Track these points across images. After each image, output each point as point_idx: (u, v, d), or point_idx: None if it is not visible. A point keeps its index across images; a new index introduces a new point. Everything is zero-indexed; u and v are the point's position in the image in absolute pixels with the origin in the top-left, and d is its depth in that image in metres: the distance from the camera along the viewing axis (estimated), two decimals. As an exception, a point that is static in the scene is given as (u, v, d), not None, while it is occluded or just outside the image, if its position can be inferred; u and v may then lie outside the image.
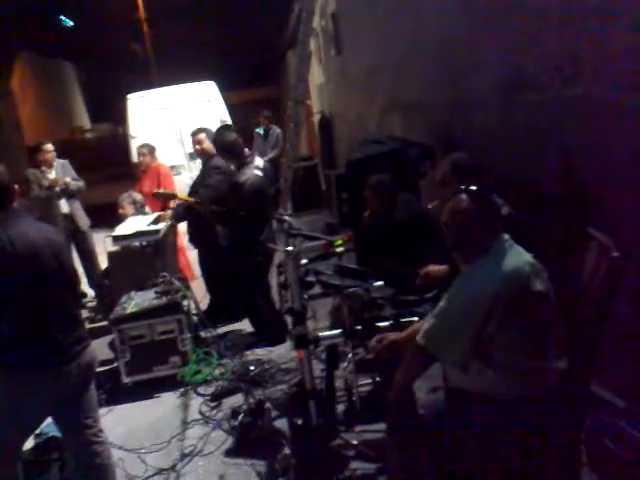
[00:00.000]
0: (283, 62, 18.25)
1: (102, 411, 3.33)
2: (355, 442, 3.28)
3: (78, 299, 3.19)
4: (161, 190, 5.64)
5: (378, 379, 3.60)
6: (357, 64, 8.39)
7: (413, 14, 5.57)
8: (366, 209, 4.12)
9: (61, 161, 6.61)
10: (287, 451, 3.30)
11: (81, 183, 6.58)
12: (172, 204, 6.15)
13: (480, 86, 4.23)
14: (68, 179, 6.39)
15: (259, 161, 4.96)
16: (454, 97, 4.72)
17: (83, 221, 6.62)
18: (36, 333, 2.55)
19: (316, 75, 12.39)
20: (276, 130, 10.08)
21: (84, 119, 32.76)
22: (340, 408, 3.62)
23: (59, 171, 6.48)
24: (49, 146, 6.49)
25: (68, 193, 6.44)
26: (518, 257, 2.27)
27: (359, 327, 3.18)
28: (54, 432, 3.17)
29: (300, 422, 3.40)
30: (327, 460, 3.21)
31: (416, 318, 3.01)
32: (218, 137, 4.86)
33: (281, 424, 3.62)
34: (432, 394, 2.58)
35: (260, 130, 10.12)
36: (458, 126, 4.66)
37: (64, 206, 6.45)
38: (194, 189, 5.37)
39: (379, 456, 3.12)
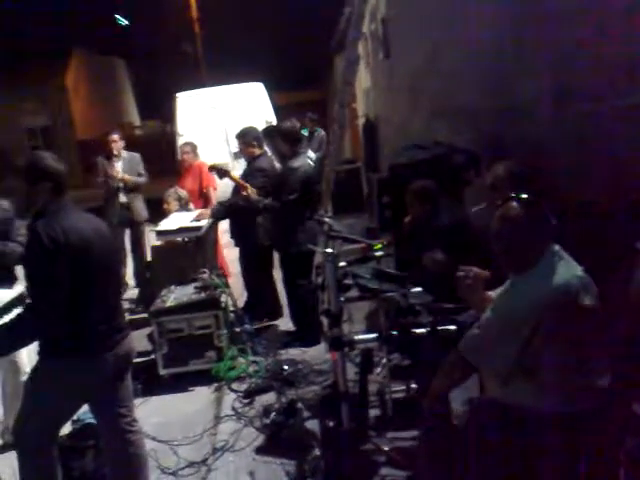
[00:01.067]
0: (331, 65, 18.30)
1: (137, 401, 3.39)
2: (386, 448, 3.26)
3: (120, 290, 3.27)
4: (218, 164, 5.73)
5: (413, 386, 3.56)
6: (404, 68, 8.35)
7: (463, 20, 5.51)
8: (407, 214, 4.09)
9: (130, 154, 6.82)
10: (317, 453, 3.30)
11: (142, 179, 6.76)
12: (213, 201, 6.25)
13: (530, 94, 4.15)
14: (126, 177, 6.58)
15: (312, 154, 5.02)
16: (503, 104, 4.64)
17: (139, 213, 6.79)
18: (81, 321, 2.62)
19: (363, 79, 12.39)
20: (320, 132, 10.12)
21: (134, 116, 33.50)
22: (372, 413, 3.60)
23: (125, 163, 6.69)
24: (114, 136, 6.70)
25: (126, 187, 6.63)
26: (568, 270, 2.20)
27: (395, 333, 3.15)
28: (90, 419, 3.24)
29: (331, 424, 3.39)
30: (357, 464, 3.19)
31: (454, 327, 2.97)
32: (280, 123, 5.00)
33: (312, 425, 3.62)
34: (468, 405, 2.54)
35: (304, 132, 10.18)
36: (506, 134, 4.58)
37: (122, 196, 6.66)
38: (237, 189, 5.43)
39: (410, 464, 3.08)
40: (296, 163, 4.82)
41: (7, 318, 2.74)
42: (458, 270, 2.56)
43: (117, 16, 23.94)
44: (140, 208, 6.81)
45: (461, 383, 2.42)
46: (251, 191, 4.96)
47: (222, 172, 5.49)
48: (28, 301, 2.81)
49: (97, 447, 3.27)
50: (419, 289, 3.35)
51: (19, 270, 3.64)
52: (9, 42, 23.84)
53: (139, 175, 6.75)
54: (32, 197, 2.63)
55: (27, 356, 3.63)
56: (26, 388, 2.75)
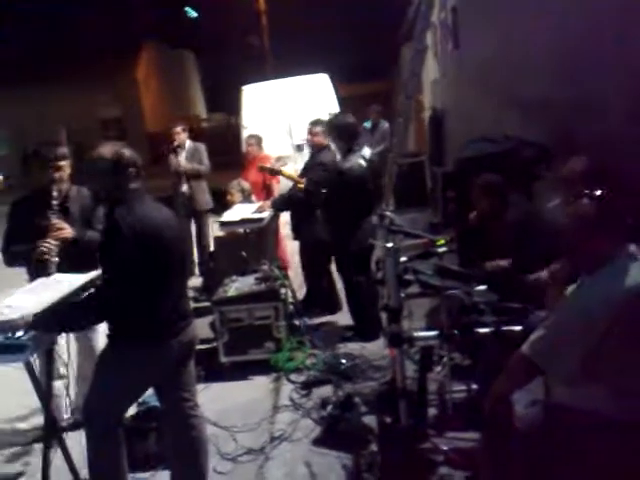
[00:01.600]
0: (397, 56, 18.09)
1: (199, 387, 3.45)
2: (444, 448, 3.20)
3: (187, 278, 3.33)
4: (267, 165, 5.80)
5: (474, 387, 3.48)
6: (474, 59, 8.15)
7: (536, 9, 5.31)
8: (473, 209, 3.99)
9: (195, 144, 7.01)
10: (374, 448, 3.28)
11: (202, 167, 6.90)
12: (274, 194, 6.30)
13: (606, 87, 3.95)
14: (187, 165, 6.75)
15: (367, 151, 4.96)
16: (578, 97, 4.44)
17: (201, 202, 6.93)
18: (150, 308, 2.68)
19: (430, 70, 12.19)
20: (384, 124, 10.01)
21: (201, 108, 34.25)
22: (431, 412, 3.54)
23: (189, 153, 6.88)
24: (177, 129, 6.91)
25: (187, 175, 6.79)
26: (643, 272, 2.09)
27: (457, 331, 3.09)
28: (154, 402, 3.33)
29: (389, 421, 3.36)
30: (414, 462, 3.15)
31: (519, 327, 2.88)
32: (336, 117, 4.97)
33: (369, 420, 3.60)
34: (531, 407, 2.45)
35: (367, 124, 10.09)
36: (580, 128, 4.39)
37: (185, 187, 6.83)
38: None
39: (468, 465, 3.01)
40: (346, 164, 4.76)
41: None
42: (526, 268, 2.49)
43: (186, 9, 24.46)
44: (202, 198, 6.95)
45: (525, 385, 2.34)
46: (300, 184, 4.95)
47: (272, 171, 5.54)
48: (98, 284, 2.91)
49: (160, 430, 3.37)
50: (484, 287, 3.26)
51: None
52: (84, 37, 24.81)
53: (200, 163, 6.90)
54: (108, 186, 2.70)
55: (104, 341, 3.78)
56: (95, 371, 2.85)
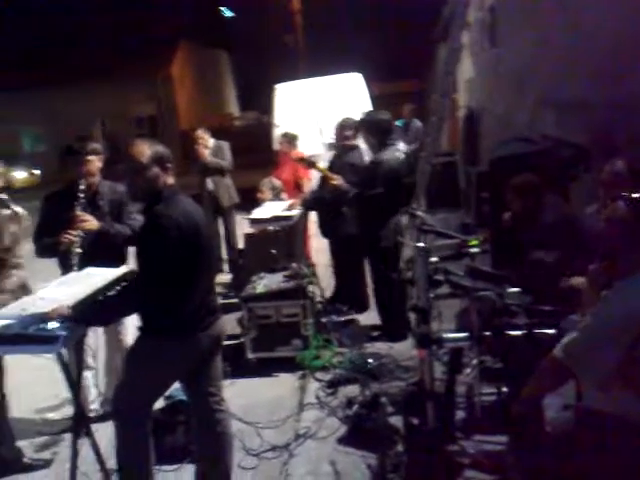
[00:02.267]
0: (432, 55, 17.94)
1: (225, 383, 3.46)
2: (472, 451, 3.14)
3: (214, 273, 3.36)
4: (306, 157, 5.80)
5: (504, 390, 3.41)
6: (512, 58, 8.04)
7: (577, 9, 5.20)
8: (507, 210, 3.91)
9: (218, 142, 7.05)
10: (399, 449, 3.24)
11: (224, 162, 6.94)
12: (305, 190, 6.30)
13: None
14: (209, 158, 6.80)
15: (403, 146, 4.92)
16: (617, 97, 4.33)
17: (225, 198, 6.97)
18: (181, 302, 2.71)
19: (466, 69, 12.04)
20: (417, 123, 9.93)
21: (234, 107, 34.52)
22: (459, 415, 3.48)
23: (213, 151, 6.92)
24: (198, 132, 6.98)
25: (211, 172, 6.83)
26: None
27: (488, 333, 3.03)
28: (181, 396, 3.35)
29: (416, 422, 3.32)
30: (440, 464, 3.10)
31: (552, 331, 2.81)
32: (370, 113, 4.95)
33: (395, 421, 3.56)
34: (562, 412, 2.39)
35: (399, 123, 10.02)
36: (620, 129, 4.27)
37: (210, 184, 6.86)
38: (323, 180, 5.44)
39: (496, 469, 2.96)
40: (383, 156, 4.73)
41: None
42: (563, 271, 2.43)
43: (221, 8, 24.69)
44: (227, 195, 6.99)
45: (556, 389, 2.29)
46: (338, 182, 4.93)
47: (309, 163, 5.53)
48: (132, 278, 2.93)
49: (187, 424, 3.38)
50: (516, 289, 3.19)
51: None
52: (121, 36, 25.23)
53: (223, 160, 6.94)
54: (144, 182, 2.73)
55: (132, 334, 3.83)
56: (125, 363, 2.88)
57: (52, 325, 2.57)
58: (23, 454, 3.55)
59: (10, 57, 25.53)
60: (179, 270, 2.63)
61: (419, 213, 3.64)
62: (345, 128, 5.32)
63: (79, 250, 3.44)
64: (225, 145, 7.07)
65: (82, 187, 3.59)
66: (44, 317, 2.58)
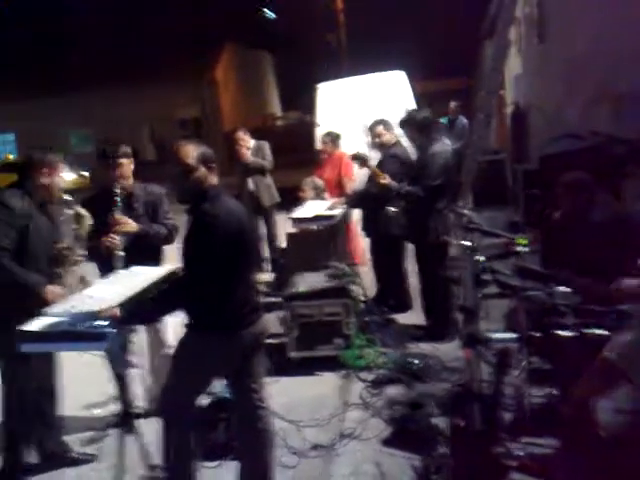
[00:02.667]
0: (478, 52, 17.66)
1: (267, 380, 3.45)
2: (519, 454, 3.06)
3: (256, 271, 3.38)
4: (360, 153, 5.77)
5: (554, 392, 3.31)
6: (561, 52, 7.83)
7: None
8: (557, 208, 3.80)
9: (258, 142, 7.10)
10: (444, 450, 3.18)
11: (264, 162, 6.97)
12: (348, 189, 6.27)
13: None
14: (250, 158, 6.84)
15: (448, 142, 4.85)
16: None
17: (266, 198, 7.00)
18: (226, 299, 2.75)
19: (513, 65, 11.81)
20: (462, 121, 9.77)
21: (276, 107, 34.74)
22: (507, 417, 3.39)
23: (253, 152, 6.96)
24: (239, 133, 7.03)
25: (251, 171, 6.88)
26: None
27: (537, 334, 2.95)
28: (223, 393, 3.36)
29: (461, 424, 3.25)
30: (486, 467, 3.02)
31: (602, 331, 2.71)
32: (411, 112, 4.92)
33: (440, 422, 3.49)
34: (616, 416, 2.30)
35: (444, 120, 9.88)
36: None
37: (250, 184, 6.90)
38: (371, 178, 5.40)
39: (543, 472, 2.88)
40: (437, 148, 4.70)
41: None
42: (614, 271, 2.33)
43: (263, 10, 24.88)
44: (267, 194, 7.01)
45: (608, 391, 2.19)
46: (387, 180, 4.88)
47: (363, 161, 5.50)
48: (177, 276, 2.96)
49: (229, 421, 3.40)
50: (566, 289, 3.10)
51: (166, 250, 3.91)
52: (165, 40, 25.71)
53: (264, 159, 6.97)
54: (190, 183, 2.76)
55: (172, 331, 3.88)
56: (172, 360, 2.92)
57: (100, 323, 2.61)
58: (70, 448, 3.63)
59: (61, 60, 26.38)
60: (224, 268, 2.67)
61: (465, 211, 3.58)
62: (378, 127, 5.28)
63: (122, 253, 3.52)
64: (265, 145, 7.10)
65: (117, 190, 3.65)
66: (93, 315, 2.62)
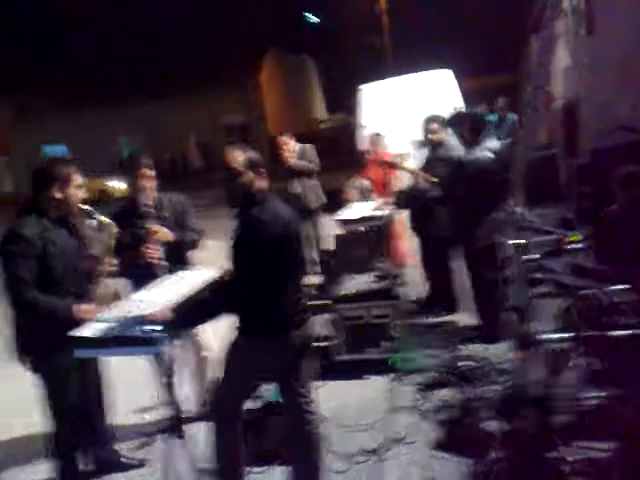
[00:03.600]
0: (524, 47, 17.28)
1: (315, 384, 3.43)
2: (573, 458, 2.94)
3: (304, 273, 3.37)
4: (388, 159, 5.73)
5: (610, 393, 3.17)
6: (611, 44, 7.56)
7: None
8: (612, 204, 3.65)
9: (303, 146, 7.08)
10: (496, 455, 3.10)
11: (310, 164, 6.96)
12: (392, 190, 6.20)
13: None
14: (295, 162, 6.83)
15: (494, 143, 4.73)
16: None
17: (313, 200, 7.00)
18: (276, 302, 2.77)
19: (561, 59, 11.48)
20: (511, 117, 9.56)
21: (320, 111, 34.87)
22: (560, 420, 3.27)
23: (298, 155, 6.97)
24: (282, 139, 7.04)
25: (296, 174, 6.89)
26: None
27: (593, 334, 2.83)
28: (271, 396, 3.36)
29: (513, 427, 3.16)
30: (539, 472, 2.93)
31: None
32: (460, 110, 4.84)
33: (491, 426, 3.40)
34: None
35: (492, 117, 9.68)
36: None
37: (296, 186, 6.93)
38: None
39: (598, 477, 2.78)
40: (471, 156, 4.59)
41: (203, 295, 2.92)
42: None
43: (306, 14, 25.05)
44: (314, 196, 6.99)
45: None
46: (424, 178, 4.81)
47: (391, 165, 5.44)
48: (226, 280, 2.98)
49: (278, 425, 3.39)
50: (622, 286, 2.97)
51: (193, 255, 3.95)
52: (211, 47, 26.19)
53: (310, 162, 6.95)
54: (239, 187, 2.80)
55: (212, 335, 3.93)
56: (222, 363, 2.94)
57: (151, 327, 2.64)
58: (120, 454, 3.67)
59: (112, 70, 27.19)
60: (272, 271, 2.69)
61: (516, 209, 3.50)
62: (432, 124, 5.20)
63: (165, 263, 3.56)
64: (309, 148, 7.10)
65: (147, 202, 3.67)
66: (144, 319, 2.66)
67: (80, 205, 3.26)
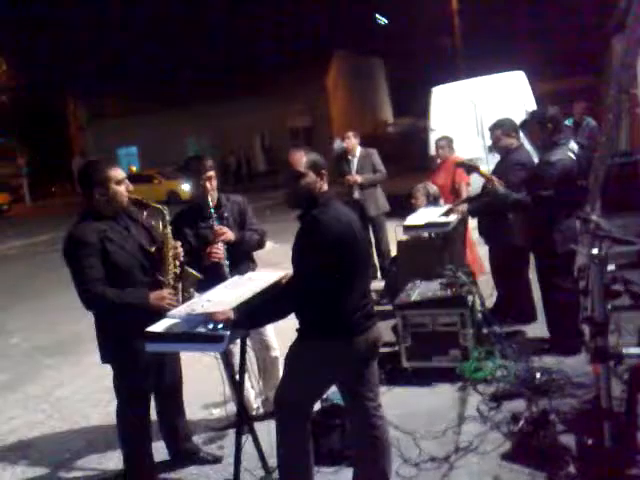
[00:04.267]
0: (606, 49, 16.61)
1: (381, 390, 3.44)
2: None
3: (369, 278, 3.35)
4: (465, 160, 5.61)
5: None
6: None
7: None
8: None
9: (366, 150, 7.05)
10: (571, 470, 3.01)
11: (378, 176, 6.93)
12: (463, 195, 6.09)
13: None
14: (360, 178, 6.81)
15: (574, 146, 4.56)
16: None
17: (372, 208, 6.96)
18: (341, 306, 2.76)
19: (647, 60, 10.94)
20: (590, 122, 9.20)
21: (388, 113, 34.69)
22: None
23: (360, 159, 6.96)
24: (349, 133, 7.04)
25: (362, 186, 6.87)
26: None
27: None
28: (338, 399, 3.37)
29: (590, 442, 3.05)
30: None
31: None
32: (534, 111, 4.71)
33: (566, 440, 3.29)
34: None
35: (569, 121, 9.34)
36: None
37: (356, 192, 6.92)
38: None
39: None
40: (554, 157, 4.39)
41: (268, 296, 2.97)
42: None
43: (376, 16, 24.99)
44: (375, 204, 6.95)
45: None
46: (499, 184, 4.66)
47: (470, 168, 5.31)
48: (287, 282, 3.02)
49: (344, 427, 3.41)
50: None
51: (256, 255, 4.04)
52: (278, 50, 26.54)
53: (375, 172, 6.90)
54: (301, 189, 2.81)
55: (274, 334, 4.00)
56: (286, 364, 2.97)
57: (217, 325, 2.71)
58: (198, 448, 3.75)
59: (179, 75, 28.03)
60: (334, 273, 2.67)
61: (593, 217, 3.37)
62: (503, 129, 5.06)
63: (227, 262, 3.66)
64: (374, 153, 7.04)
65: (211, 203, 3.77)
66: (210, 318, 2.74)
67: (131, 196, 3.32)
